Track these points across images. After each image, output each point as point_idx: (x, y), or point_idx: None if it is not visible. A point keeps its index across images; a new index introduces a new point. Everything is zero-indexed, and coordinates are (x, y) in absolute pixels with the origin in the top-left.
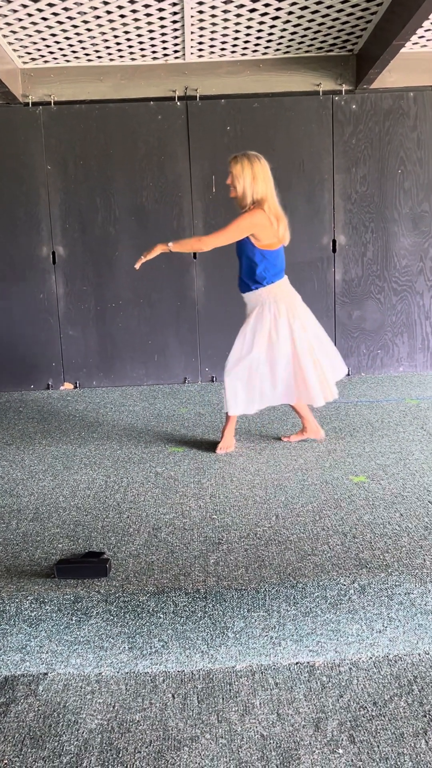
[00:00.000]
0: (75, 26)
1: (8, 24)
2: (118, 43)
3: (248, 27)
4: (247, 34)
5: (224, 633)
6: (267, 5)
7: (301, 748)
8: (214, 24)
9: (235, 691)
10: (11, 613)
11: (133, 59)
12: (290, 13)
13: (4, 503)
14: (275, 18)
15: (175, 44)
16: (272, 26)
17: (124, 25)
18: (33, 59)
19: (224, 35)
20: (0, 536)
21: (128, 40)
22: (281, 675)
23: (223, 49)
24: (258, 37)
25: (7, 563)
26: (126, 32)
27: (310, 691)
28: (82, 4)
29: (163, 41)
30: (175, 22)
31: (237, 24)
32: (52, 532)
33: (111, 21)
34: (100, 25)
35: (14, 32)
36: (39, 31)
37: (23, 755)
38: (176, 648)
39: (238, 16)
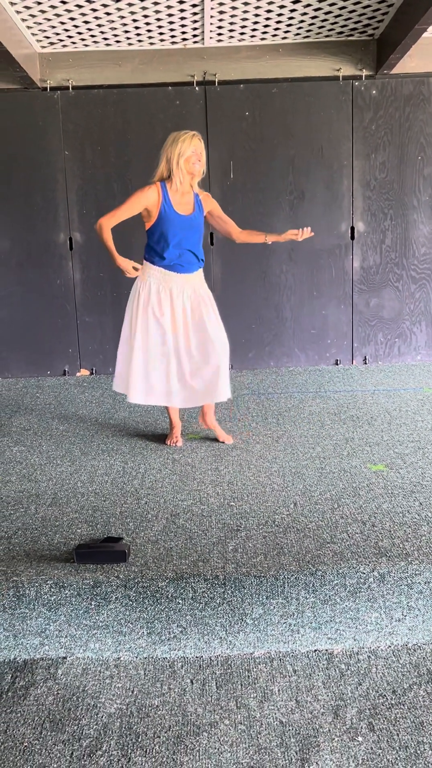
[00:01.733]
0: (94, 10)
1: (27, 8)
2: (136, 28)
3: (268, 11)
4: (267, 18)
5: (243, 619)
6: None
7: (321, 735)
8: (233, 8)
9: (253, 677)
10: (31, 597)
11: (151, 44)
12: None
13: (22, 488)
14: (295, 2)
15: (194, 28)
16: (292, 10)
17: (143, 8)
18: (51, 43)
19: (244, 19)
20: (19, 521)
21: (147, 24)
22: (300, 662)
23: (242, 34)
24: (278, 22)
25: (26, 547)
26: (145, 16)
27: (329, 679)
28: None
29: (182, 25)
30: (194, 5)
31: (257, 8)
32: (70, 517)
33: (130, 5)
34: (119, 9)
35: (33, 16)
36: (58, 15)
37: (43, 738)
38: (195, 634)
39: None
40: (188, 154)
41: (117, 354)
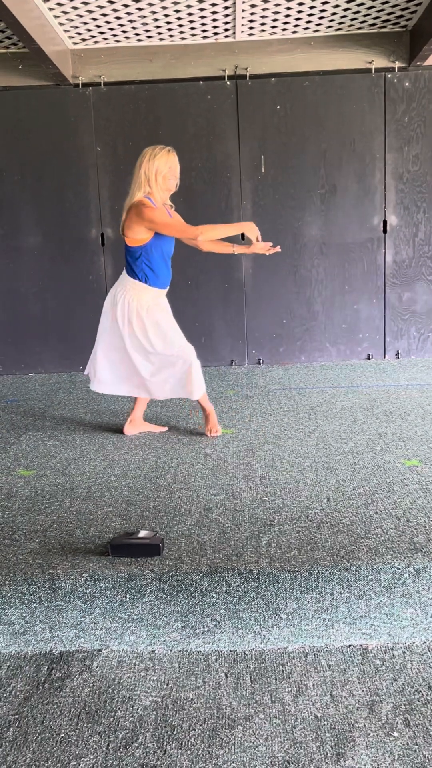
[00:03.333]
0: (125, 5)
1: (59, 4)
2: (168, 23)
3: (300, 3)
4: (299, 12)
5: (277, 614)
6: None
7: (356, 730)
8: (265, 1)
9: (288, 672)
10: (66, 590)
11: (182, 38)
12: None
13: (57, 482)
14: None
15: (226, 23)
16: (324, 2)
17: (175, 3)
18: (83, 40)
19: (275, 12)
20: (54, 514)
21: (178, 19)
22: (334, 657)
23: (273, 27)
24: (309, 14)
25: (61, 540)
26: (176, 11)
27: (364, 674)
28: None
29: (214, 20)
30: None
31: (289, 1)
32: (104, 511)
33: (161, 0)
34: (150, 4)
35: (65, 12)
36: (89, 11)
37: (79, 729)
38: (229, 628)
39: None
40: (165, 171)
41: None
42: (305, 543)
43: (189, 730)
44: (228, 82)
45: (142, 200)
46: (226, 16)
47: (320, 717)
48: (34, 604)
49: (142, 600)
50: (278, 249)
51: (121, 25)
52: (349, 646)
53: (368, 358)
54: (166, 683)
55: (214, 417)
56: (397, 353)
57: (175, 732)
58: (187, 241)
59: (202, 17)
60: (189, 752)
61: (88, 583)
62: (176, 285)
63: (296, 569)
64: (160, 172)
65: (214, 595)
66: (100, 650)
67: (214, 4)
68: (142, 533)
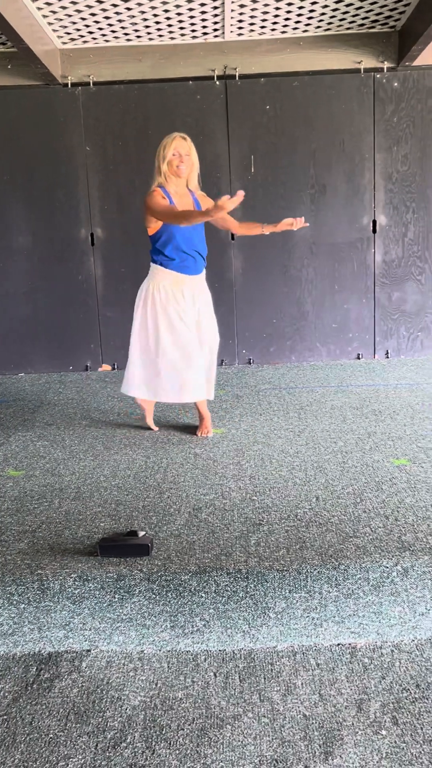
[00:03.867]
0: (114, 5)
1: (48, 4)
2: (157, 23)
3: (289, 3)
4: (288, 12)
5: (266, 613)
6: None
7: (344, 729)
8: (254, 1)
9: (276, 671)
10: (55, 590)
11: (172, 38)
12: None
13: (46, 482)
14: None
15: (215, 22)
16: (313, 2)
17: (164, 3)
18: (72, 39)
19: (265, 12)
20: (43, 514)
21: (168, 19)
22: (323, 656)
23: (263, 27)
24: (299, 15)
25: (50, 541)
26: (165, 11)
27: (352, 673)
28: None
29: (203, 20)
30: None
31: (278, 1)
32: (93, 511)
33: (150, 0)
34: (139, 4)
35: (54, 12)
36: (78, 11)
37: (68, 730)
38: (218, 627)
39: None
40: (169, 157)
41: (131, 358)
42: (294, 542)
43: (178, 729)
44: (217, 82)
45: (150, 190)
46: (215, 16)
47: (309, 716)
48: (23, 605)
49: (131, 600)
50: (304, 222)
51: (110, 25)
52: (338, 644)
53: (358, 358)
54: (155, 683)
55: (209, 419)
56: (387, 353)
57: (163, 732)
58: (222, 226)
59: (191, 17)
60: (177, 752)
61: (76, 583)
62: None
63: (285, 568)
64: (164, 158)
65: (203, 594)
66: (89, 650)
67: (203, 4)
68: (139, 534)
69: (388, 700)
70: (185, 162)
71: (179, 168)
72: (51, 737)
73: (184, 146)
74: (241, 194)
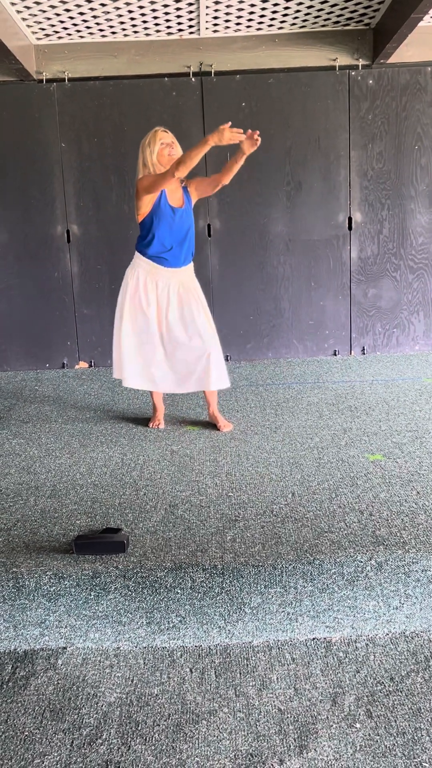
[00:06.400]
0: (89, 1)
1: None
2: (132, 19)
3: (264, 0)
4: (263, 8)
5: (241, 609)
6: None
7: (319, 723)
8: None
9: (252, 666)
10: (30, 588)
11: (147, 35)
12: None
13: (21, 480)
14: None
15: (190, 19)
16: None
17: None
18: (47, 35)
19: (240, 9)
20: (18, 513)
21: (143, 15)
22: (298, 650)
23: (238, 24)
24: (274, 12)
25: (25, 539)
26: (140, 7)
27: (327, 667)
28: None
29: (178, 16)
30: None
31: None
32: (69, 509)
33: None
34: (114, 0)
35: (28, 7)
36: (53, 6)
37: (43, 727)
38: (194, 623)
39: None
40: (158, 148)
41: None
42: (270, 538)
43: (153, 725)
44: (193, 79)
45: (140, 177)
46: (191, 12)
47: (284, 710)
48: None
49: (106, 597)
50: (256, 133)
51: (85, 21)
52: (313, 639)
53: (334, 354)
54: (131, 679)
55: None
56: (363, 349)
57: (139, 727)
58: (213, 188)
59: (167, 13)
60: (153, 747)
61: (52, 581)
62: None
63: (260, 564)
64: (153, 152)
65: (179, 590)
66: (64, 648)
67: (178, 0)
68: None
69: (363, 694)
70: (175, 147)
71: (171, 154)
72: (26, 735)
73: (168, 136)
74: (250, 132)
